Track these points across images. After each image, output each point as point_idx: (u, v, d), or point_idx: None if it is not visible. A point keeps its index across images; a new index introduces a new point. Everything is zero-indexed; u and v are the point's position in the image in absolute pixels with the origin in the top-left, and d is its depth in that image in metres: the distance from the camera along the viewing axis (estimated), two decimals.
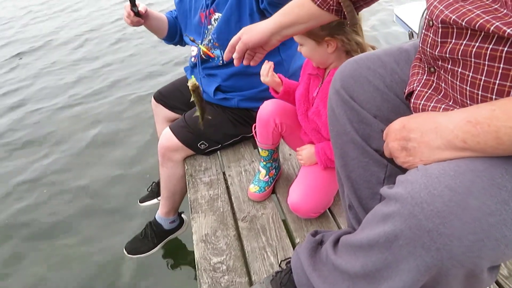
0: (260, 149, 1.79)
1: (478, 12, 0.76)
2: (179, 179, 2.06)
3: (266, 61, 1.62)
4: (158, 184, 2.39)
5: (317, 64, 1.56)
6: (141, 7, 2.01)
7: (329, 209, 1.67)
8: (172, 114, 2.33)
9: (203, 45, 1.97)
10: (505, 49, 0.71)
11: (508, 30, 0.69)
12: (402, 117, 0.84)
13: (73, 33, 6.42)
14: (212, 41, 1.94)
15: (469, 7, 0.78)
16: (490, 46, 0.73)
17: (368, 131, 1.12)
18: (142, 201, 2.52)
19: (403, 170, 0.83)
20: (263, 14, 1.75)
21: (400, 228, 0.74)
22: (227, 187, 1.88)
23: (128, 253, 2.16)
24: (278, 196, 1.80)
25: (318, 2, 1.17)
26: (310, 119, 1.60)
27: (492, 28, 0.71)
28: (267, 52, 1.35)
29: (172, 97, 2.32)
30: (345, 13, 1.19)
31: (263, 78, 1.66)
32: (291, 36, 1.31)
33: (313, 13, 1.20)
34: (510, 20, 0.70)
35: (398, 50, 1.16)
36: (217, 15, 1.89)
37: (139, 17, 2.01)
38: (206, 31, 1.97)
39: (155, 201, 2.46)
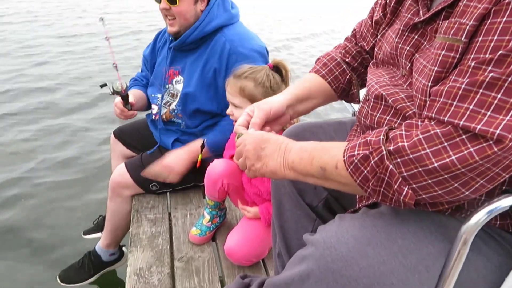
0: (207, 198, 1.88)
1: (402, 95, 0.94)
2: (125, 215, 2.09)
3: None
4: (104, 218, 2.39)
5: None
6: (130, 98, 2.01)
7: (262, 260, 1.76)
8: (128, 152, 2.38)
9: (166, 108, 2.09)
10: None
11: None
12: (257, 133, 1.04)
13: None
14: (176, 111, 2.06)
15: (397, 89, 0.96)
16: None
17: (303, 187, 1.26)
18: (86, 233, 2.49)
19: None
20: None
21: (312, 268, 0.86)
22: (170, 227, 1.95)
23: (61, 281, 2.12)
24: (217, 242, 1.89)
25: (329, 79, 1.29)
26: (253, 184, 1.71)
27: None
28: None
29: (131, 135, 2.39)
30: (354, 91, 1.33)
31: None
32: (301, 115, 1.33)
33: (323, 90, 1.30)
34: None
35: (338, 122, 1.34)
36: (180, 78, 2.03)
37: (131, 109, 2.02)
38: (167, 86, 2.09)
39: (99, 234, 2.43)
